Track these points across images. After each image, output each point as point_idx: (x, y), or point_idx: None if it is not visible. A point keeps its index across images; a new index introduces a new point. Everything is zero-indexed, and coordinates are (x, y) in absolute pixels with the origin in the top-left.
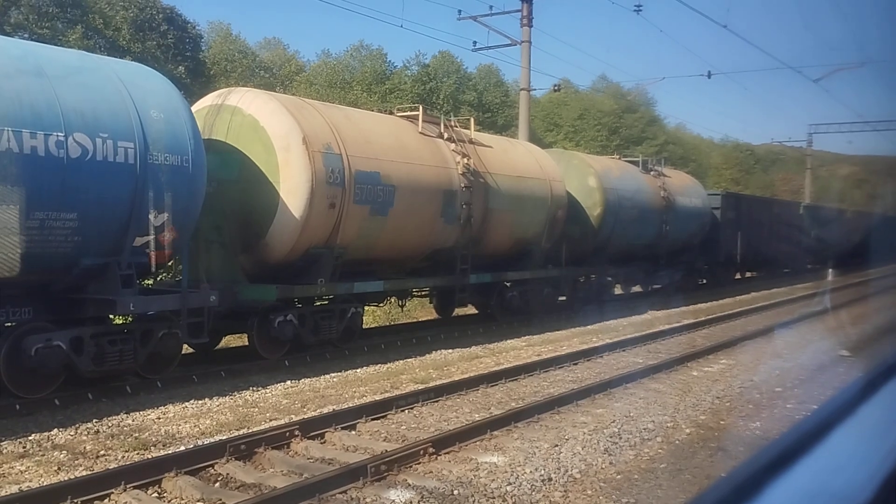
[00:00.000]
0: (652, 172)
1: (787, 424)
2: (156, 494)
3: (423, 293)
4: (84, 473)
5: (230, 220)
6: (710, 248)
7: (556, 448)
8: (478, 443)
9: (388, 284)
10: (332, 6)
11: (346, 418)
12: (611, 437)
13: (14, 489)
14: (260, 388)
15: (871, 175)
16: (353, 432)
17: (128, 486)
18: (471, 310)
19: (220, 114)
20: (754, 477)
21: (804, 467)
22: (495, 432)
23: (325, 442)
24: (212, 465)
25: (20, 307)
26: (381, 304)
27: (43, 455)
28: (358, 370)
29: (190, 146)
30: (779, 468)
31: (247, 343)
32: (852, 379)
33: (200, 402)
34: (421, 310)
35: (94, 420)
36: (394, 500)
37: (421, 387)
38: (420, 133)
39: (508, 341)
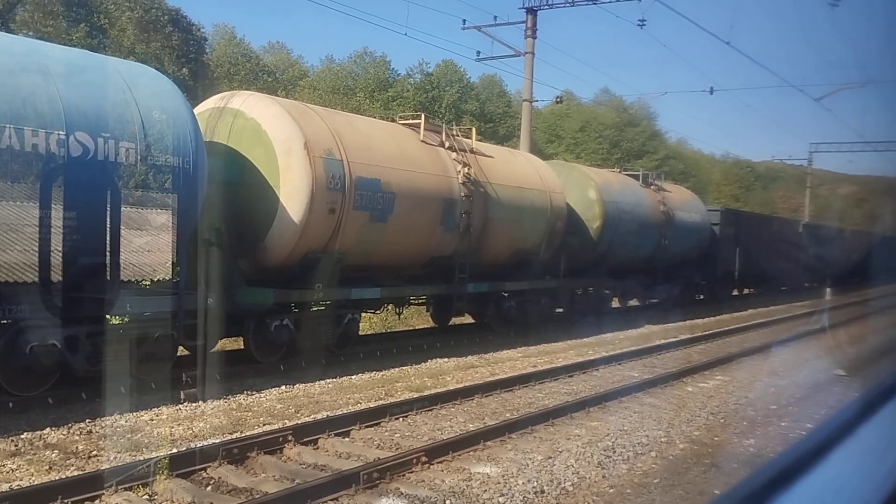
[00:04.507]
0: (652, 186)
1: (782, 442)
2: (146, 496)
3: (421, 301)
4: (75, 473)
5: (229, 222)
6: (709, 264)
7: (550, 460)
8: (471, 453)
9: (385, 291)
10: (336, 12)
11: (340, 424)
12: (605, 450)
13: (5, 487)
14: (254, 392)
15: (871, 195)
16: (347, 439)
17: (119, 487)
18: (467, 319)
19: (222, 116)
20: (755, 495)
21: (804, 486)
22: (489, 442)
23: (318, 448)
24: (204, 469)
25: (16, 304)
26: (378, 311)
27: (35, 454)
28: (353, 377)
29: (191, 148)
30: (779, 486)
31: (242, 346)
32: (848, 398)
33: (194, 404)
34: (418, 318)
35: (87, 420)
36: None
37: (415, 395)
38: (421, 141)
39: (504, 352)
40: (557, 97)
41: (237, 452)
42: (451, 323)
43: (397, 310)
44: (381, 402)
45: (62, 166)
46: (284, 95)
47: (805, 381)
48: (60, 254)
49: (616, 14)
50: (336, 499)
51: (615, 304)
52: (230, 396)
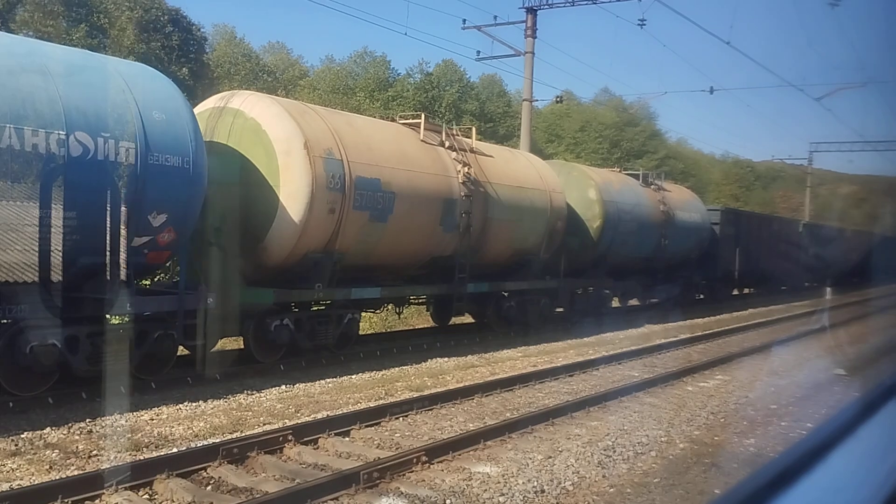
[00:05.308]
0: (652, 186)
1: (782, 442)
2: (147, 496)
3: (421, 301)
4: (76, 473)
5: (229, 222)
6: (709, 264)
7: (550, 460)
8: (471, 452)
9: (385, 291)
10: (337, 12)
11: (340, 424)
12: (605, 450)
13: (5, 487)
14: (254, 392)
15: (871, 195)
16: (347, 438)
17: (119, 486)
18: (467, 319)
19: (222, 116)
20: (755, 495)
21: (804, 486)
22: (489, 442)
23: (318, 447)
24: (204, 468)
25: (16, 304)
26: (378, 311)
27: (35, 453)
28: (353, 376)
29: (191, 148)
30: (779, 486)
31: (242, 346)
32: (848, 398)
33: (194, 404)
34: (418, 317)
35: (88, 420)
36: None
37: (416, 394)
38: (421, 141)
39: (504, 351)
40: (557, 97)
41: (237, 452)
42: (451, 323)
43: (397, 309)
44: (381, 402)
45: (62, 166)
46: (284, 95)
47: (805, 381)
48: (60, 254)
49: (616, 14)
50: (336, 498)
51: (615, 303)
52: (230, 396)
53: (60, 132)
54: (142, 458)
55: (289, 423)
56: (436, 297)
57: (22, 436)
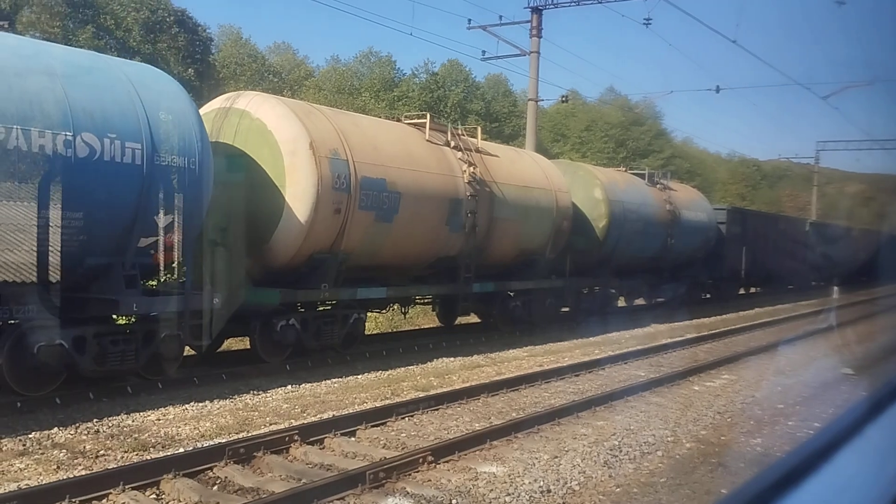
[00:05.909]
0: (658, 185)
1: (789, 442)
2: (154, 496)
3: (426, 301)
4: (83, 473)
5: (235, 223)
6: (715, 263)
7: (556, 459)
8: (477, 452)
9: (391, 291)
10: (342, 12)
11: (346, 424)
12: (611, 449)
13: (13, 487)
14: (260, 392)
15: (879, 193)
16: (353, 438)
17: (126, 486)
18: (473, 318)
19: (228, 117)
20: (762, 495)
21: (811, 487)
22: (495, 442)
23: (324, 447)
24: (210, 468)
25: (23, 305)
26: (384, 311)
27: (42, 453)
28: (359, 376)
29: (197, 148)
30: (785, 487)
31: (248, 346)
32: (855, 398)
33: (201, 404)
34: (423, 317)
35: (95, 420)
36: None
37: (421, 394)
38: (427, 141)
39: (510, 351)
40: (563, 96)
41: (243, 452)
42: (456, 322)
43: (403, 309)
44: (387, 402)
45: (69, 167)
46: (290, 95)
47: (812, 380)
48: (67, 255)
49: (622, 13)
50: (342, 498)
51: (621, 303)
52: (236, 396)
53: (67, 133)
54: (149, 458)
55: (295, 423)
56: (441, 297)
57: (30, 436)
